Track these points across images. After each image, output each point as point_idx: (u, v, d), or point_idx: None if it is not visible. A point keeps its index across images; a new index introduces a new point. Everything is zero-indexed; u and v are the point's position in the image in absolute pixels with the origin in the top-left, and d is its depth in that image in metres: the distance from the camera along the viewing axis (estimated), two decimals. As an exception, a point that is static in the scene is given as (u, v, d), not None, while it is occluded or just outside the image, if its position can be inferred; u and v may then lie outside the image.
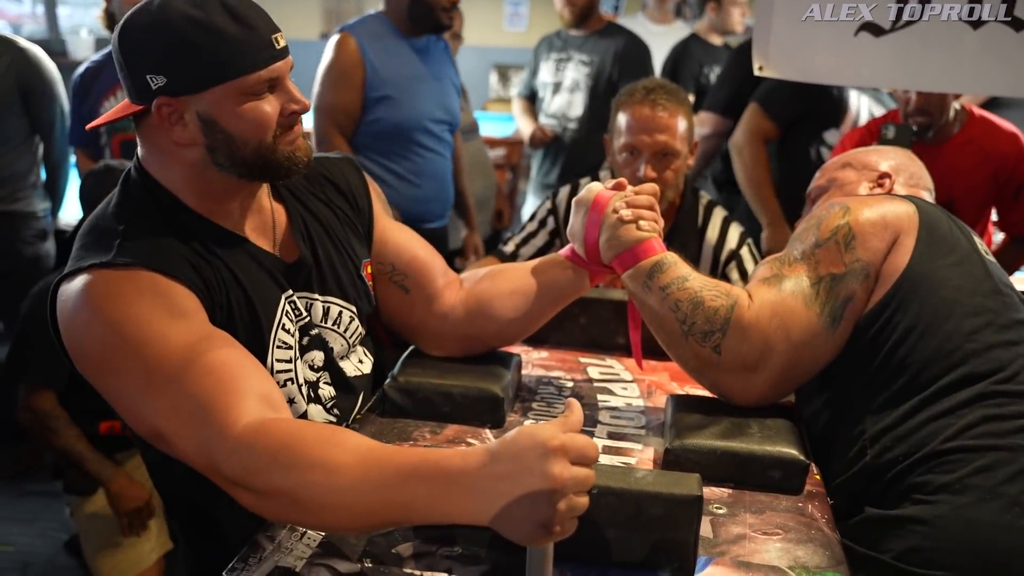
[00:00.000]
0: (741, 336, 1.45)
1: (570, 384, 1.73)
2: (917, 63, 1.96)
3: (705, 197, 2.44)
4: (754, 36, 2.10)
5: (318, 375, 1.47)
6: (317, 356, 1.47)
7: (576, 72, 3.66)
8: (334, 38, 2.95)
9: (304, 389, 1.44)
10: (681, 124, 2.22)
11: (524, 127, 4.01)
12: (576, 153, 3.60)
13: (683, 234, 2.35)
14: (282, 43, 1.32)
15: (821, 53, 2.01)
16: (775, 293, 1.48)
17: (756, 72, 2.11)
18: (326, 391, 1.48)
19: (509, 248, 2.54)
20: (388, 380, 1.56)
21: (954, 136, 2.61)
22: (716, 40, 4.31)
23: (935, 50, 1.95)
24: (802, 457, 1.37)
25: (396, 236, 1.65)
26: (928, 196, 1.76)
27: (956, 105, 2.57)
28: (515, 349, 1.81)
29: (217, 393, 1.15)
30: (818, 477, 1.42)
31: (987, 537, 1.30)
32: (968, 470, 1.33)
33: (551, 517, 0.96)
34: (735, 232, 2.37)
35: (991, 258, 1.54)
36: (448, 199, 3.26)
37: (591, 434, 1.52)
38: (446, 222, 3.32)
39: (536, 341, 1.89)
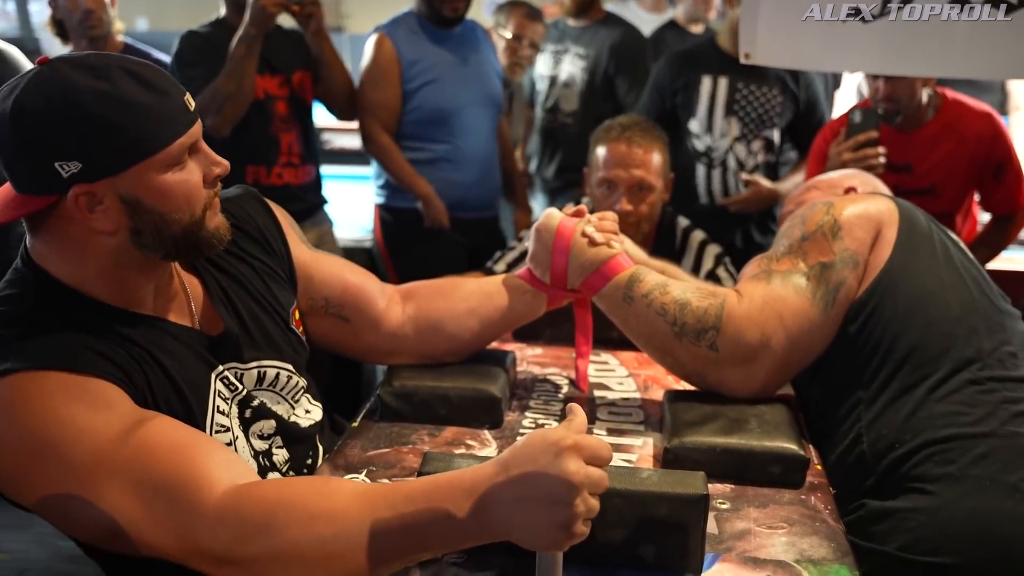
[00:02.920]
0: (736, 330, 1.45)
1: (566, 381, 1.71)
2: (904, 48, 1.94)
3: (683, 223, 2.48)
4: (741, 25, 2.08)
5: (269, 442, 1.36)
6: (266, 425, 1.36)
7: (572, 66, 3.62)
8: (371, 39, 3.07)
9: (258, 460, 1.34)
10: (656, 159, 2.30)
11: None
12: (572, 148, 3.56)
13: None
14: (192, 105, 1.20)
15: (810, 40, 1.99)
16: (764, 286, 1.49)
17: (742, 60, 2.10)
18: (279, 455, 1.38)
19: (500, 267, 2.53)
20: (383, 385, 1.54)
21: (929, 122, 2.61)
22: (695, 28, 4.27)
23: (922, 35, 1.93)
24: (801, 452, 1.36)
25: (321, 268, 1.55)
26: None
27: (927, 91, 2.56)
28: (508, 346, 1.79)
29: (178, 470, 1.06)
30: (819, 468, 1.42)
31: (989, 525, 1.30)
32: (966, 459, 1.34)
33: (571, 517, 0.95)
34: (711, 254, 2.41)
35: (971, 255, 1.57)
36: (494, 186, 3.26)
37: (590, 431, 1.50)
38: (496, 212, 3.31)
39: (529, 338, 1.87)
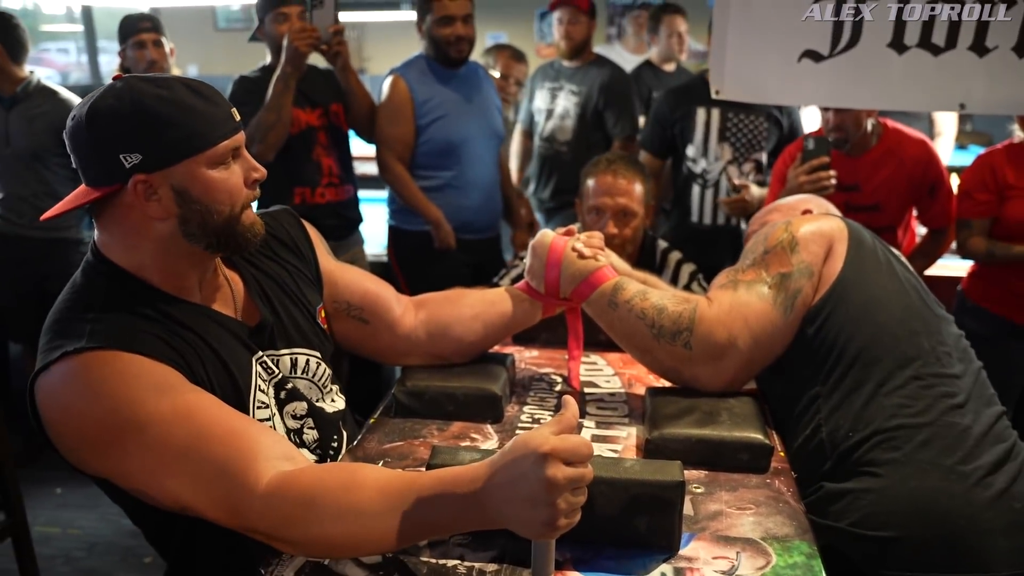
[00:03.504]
0: (707, 331, 1.43)
1: (559, 380, 1.68)
2: (850, 84, 1.93)
3: (662, 244, 2.47)
4: (710, 64, 2.07)
5: (301, 422, 1.35)
6: (299, 406, 1.35)
7: (567, 101, 3.60)
8: (387, 80, 3.05)
9: (290, 437, 1.34)
10: (638, 188, 2.29)
11: (514, 163, 3.93)
12: (566, 173, 3.54)
13: None
14: (238, 117, 1.22)
15: (770, 77, 1.98)
16: (731, 294, 1.47)
17: (713, 95, 2.08)
18: (310, 435, 1.37)
19: (504, 283, 2.49)
20: (397, 385, 1.51)
21: (872, 148, 2.60)
22: (668, 67, 4.24)
23: (865, 72, 1.92)
24: (766, 441, 1.33)
25: (344, 276, 1.54)
26: None
27: (871, 121, 2.56)
28: (508, 349, 1.76)
29: (232, 456, 1.06)
30: (782, 455, 1.38)
31: (929, 501, 1.31)
32: (911, 446, 1.34)
33: (553, 516, 0.92)
34: (686, 272, 2.39)
35: (910, 267, 1.56)
36: (496, 210, 3.22)
37: (580, 424, 1.47)
38: (497, 233, 3.28)
39: (527, 341, 1.84)
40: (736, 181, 3.00)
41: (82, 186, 1.20)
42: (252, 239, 1.27)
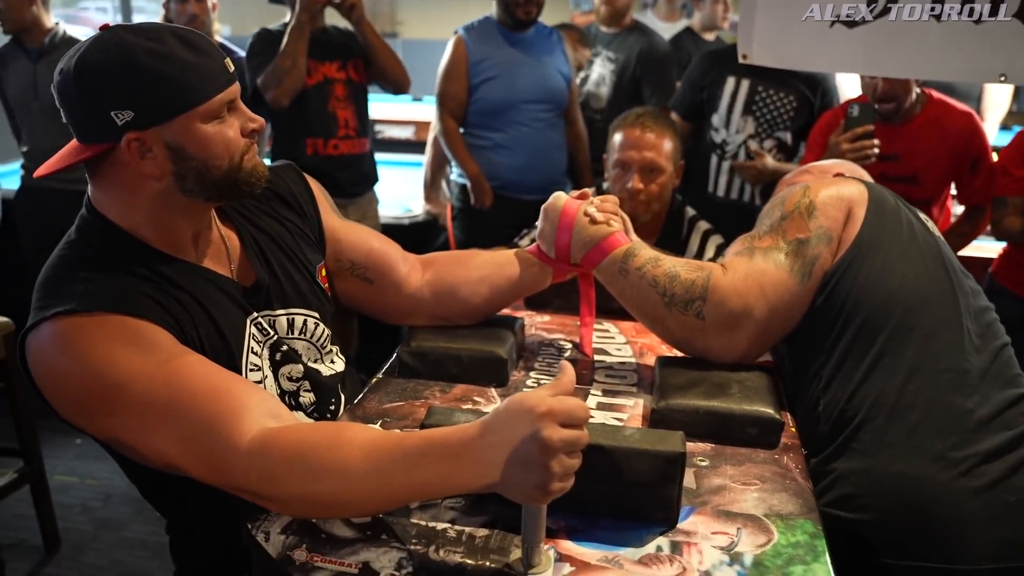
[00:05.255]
0: (720, 300, 1.37)
1: (569, 346, 1.63)
2: (885, 52, 1.84)
3: (690, 212, 2.39)
4: (739, 28, 1.99)
5: (297, 384, 1.33)
6: (294, 368, 1.33)
7: (603, 67, 3.53)
8: (451, 39, 3.14)
9: (284, 399, 1.31)
10: (667, 144, 2.21)
11: None
12: (598, 141, 3.48)
13: (666, 245, 2.29)
14: (231, 68, 1.18)
15: (800, 43, 1.90)
16: (747, 260, 1.41)
17: (740, 60, 2.00)
18: (306, 398, 1.35)
19: (524, 243, 2.46)
20: (402, 345, 1.47)
21: (916, 117, 2.52)
22: (708, 36, 4.14)
23: (902, 40, 1.83)
24: (776, 416, 1.28)
25: (348, 234, 1.50)
26: None
27: (916, 89, 2.46)
28: (519, 314, 1.72)
29: (216, 413, 1.04)
30: (793, 430, 1.33)
31: (912, 486, 1.25)
32: (902, 426, 1.28)
33: (546, 479, 0.89)
34: (713, 245, 2.31)
35: (937, 233, 1.48)
36: (548, 173, 3.21)
37: (587, 392, 1.43)
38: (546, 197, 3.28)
39: (540, 306, 1.80)
40: (753, 148, 2.93)
41: (74, 141, 1.17)
42: (257, 183, 1.24)
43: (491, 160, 3.10)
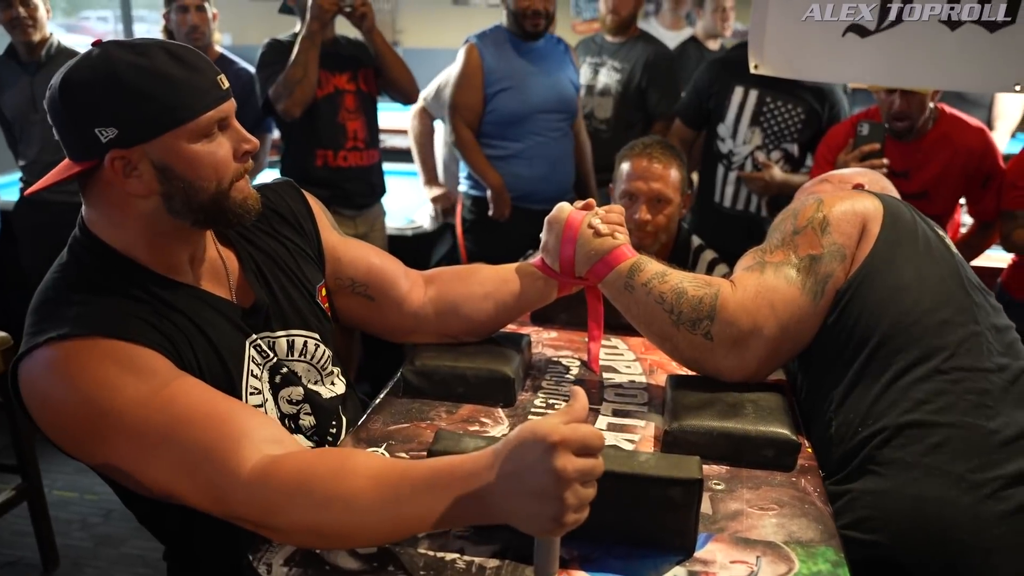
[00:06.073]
0: (729, 319, 1.33)
1: (577, 363, 1.59)
2: (899, 61, 1.81)
3: (696, 241, 2.37)
4: (749, 36, 1.96)
5: (298, 408, 1.29)
6: (294, 391, 1.29)
7: (608, 77, 3.50)
8: (463, 48, 3.09)
9: (284, 422, 1.28)
10: (674, 175, 2.20)
11: None
12: (604, 151, 3.46)
13: None
14: (225, 84, 1.14)
15: (812, 52, 1.87)
16: (757, 277, 1.36)
17: (752, 70, 1.97)
18: (307, 421, 1.31)
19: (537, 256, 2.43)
20: (405, 364, 1.43)
21: (928, 133, 2.48)
22: (712, 44, 4.11)
23: (915, 49, 1.80)
24: (793, 437, 1.24)
25: (348, 251, 1.46)
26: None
27: (931, 104, 2.43)
28: (525, 330, 1.68)
29: (215, 440, 1.00)
30: (810, 451, 1.29)
31: (930, 511, 1.19)
32: (921, 447, 1.22)
33: (561, 510, 0.85)
34: (719, 273, 2.28)
35: (954, 249, 1.43)
36: (561, 183, 3.18)
37: (596, 412, 1.39)
38: None
39: (545, 321, 1.76)
40: (760, 159, 2.89)
41: (66, 159, 1.13)
42: (244, 215, 1.19)
43: (508, 170, 3.06)
